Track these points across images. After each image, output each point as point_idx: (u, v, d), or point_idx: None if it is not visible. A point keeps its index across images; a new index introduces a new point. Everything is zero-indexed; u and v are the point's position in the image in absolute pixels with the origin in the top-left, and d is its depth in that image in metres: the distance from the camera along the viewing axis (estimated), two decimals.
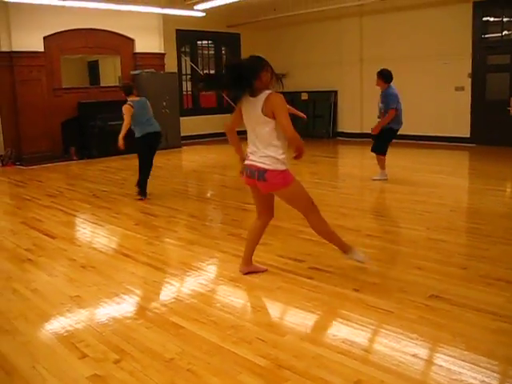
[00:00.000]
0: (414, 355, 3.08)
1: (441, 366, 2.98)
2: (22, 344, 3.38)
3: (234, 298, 4.05)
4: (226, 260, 4.94)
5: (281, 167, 4.03)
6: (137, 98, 7.62)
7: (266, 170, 4.02)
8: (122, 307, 3.93)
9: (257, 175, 4.08)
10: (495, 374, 2.85)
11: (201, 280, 4.50)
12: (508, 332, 3.34)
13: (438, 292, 3.97)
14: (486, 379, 2.80)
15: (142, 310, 3.88)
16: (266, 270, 4.52)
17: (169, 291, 4.25)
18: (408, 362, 3.00)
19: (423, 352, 3.12)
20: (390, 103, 8.20)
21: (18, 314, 3.85)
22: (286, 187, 4.11)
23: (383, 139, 8.39)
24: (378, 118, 8.47)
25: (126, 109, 7.43)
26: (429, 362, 3.02)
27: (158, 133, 7.68)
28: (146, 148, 7.62)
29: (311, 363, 3.00)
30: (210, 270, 4.82)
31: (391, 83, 8.32)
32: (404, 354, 3.09)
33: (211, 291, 4.27)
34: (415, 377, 2.85)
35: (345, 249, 4.41)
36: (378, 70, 8.41)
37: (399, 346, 3.19)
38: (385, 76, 8.36)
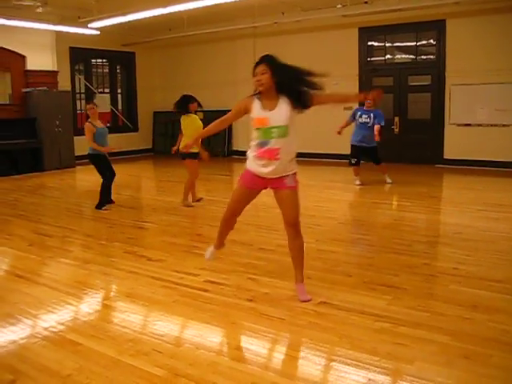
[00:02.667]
0: (304, 358, 3.29)
1: (328, 365, 3.20)
2: None
3: (130, 313, 4.11)
4: (123, 277, 4.98)
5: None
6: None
7: None
8: (17, 328, 3.88)
9: None
10: (378, 369, 3.10)
11: (97, 297, 4.53)
12: (389, 331, 3.63)
13: (326, 299, 4.23)
14: (369, 374, 3.05)
15: (37, 330, 3.84)
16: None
17: (65, 310, 4.23)
18: (298, 364, 3.21)
19: (312, 354, 3.33)
20: (381, 120, 9.75)
21: None
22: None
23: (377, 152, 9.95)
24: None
25: (88, 128, 7.82)
26: (317, 362, 3.23)
27: None
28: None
29: (206, 370, 3.13)
30: (107, 287, 4.84)
31: None
32: (294, 357, 3.30)
33: (108, 308, 4.31)
34: (305, 377, 3.05)
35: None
36: None
37: (290, 350, 3.40)
38: None
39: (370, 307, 4.04)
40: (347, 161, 10.32)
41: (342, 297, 4.28)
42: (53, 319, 4.02)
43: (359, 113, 9.92)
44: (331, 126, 12.87)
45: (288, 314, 3.97)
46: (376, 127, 9.67)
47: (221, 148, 15.63)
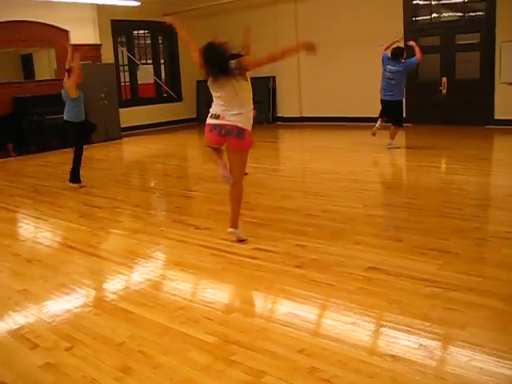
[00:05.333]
0: (353, 323, 3.27)
1: (378, 331, 3.19)
2: None
3: (180, 281, 4.16)
4: (172, 246, 5.04)
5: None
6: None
7: (244, 130, 4.70)
8: (71, 297, 3.98)
9: (235, 133, 4.66)
10: (429, 335, 3.06)
11: (147, 266, 4.59)
12: (440, 296, 3.57)
13: (374, 264, 4.19)
14: (420, 340, 3.01)
15: (90, 299, 3.94)
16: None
17: (116, 279, 4.32)
18: (348, 330, 3.19)
19: (362, 319, 3.31)
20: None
21: None
22: (248, 149, 4.82)
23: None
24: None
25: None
26: (367, 328, 3.22)
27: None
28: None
29: (256, 336, 3.15)
30: (156, 256, 4.91)
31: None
32: (344, 323, 3.28)
33: (158, 276, 4.37)
34: (355, 342, 3.03)
35: (234, 224, 4.97)
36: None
37: (339, 316, 3.39)
38: None
39: (420, 272, 3.98)
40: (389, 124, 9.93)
41: (391, 262, 4.23)
42: (105, 288, 4.11)
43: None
44: (371, 89, 12.67)
45: (337, 279, 3.95)
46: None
47: (265, 115, 15.53)
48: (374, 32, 13.13)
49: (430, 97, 12.49)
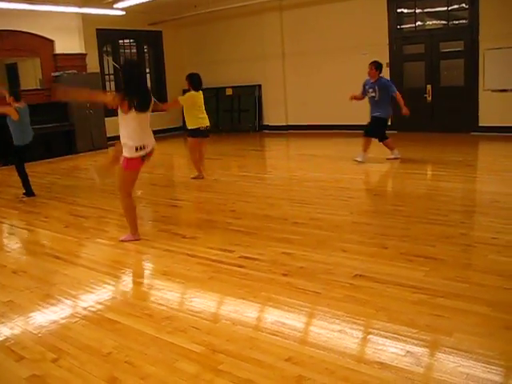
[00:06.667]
0: (341, 331, 3.27)
1: (366, 338, 3.18)
2: None
3: (167, 290, 4.14)
4: (158, 255, 5.02)
5: None
6: (24, 104, 7.91)
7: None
8: (57, 308, 3.95)
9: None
10: (416, 341, 3.07)
11: (134, 276, 4.58)
12: (427, 302, 3.58)
13: (361, 271, 4.20)
14: (407, 347, 3.02)
15: (76, 309, 3.90)
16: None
17: (103, 289, 4.29)
18: (335, 337, 3.19)
19: (349, 327, 3.31)
20: (392, 89, 9.00)
21: None
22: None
23: (379, 127, 9.25)
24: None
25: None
26: (354, 335, 3.21)
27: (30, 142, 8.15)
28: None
29: (244, 345, 3.14)
30: (143, 266, 4.90)
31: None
32: (331, 331, 3.28)
33: (145, 286, 4.36)
34: (342, 350, 3.03)
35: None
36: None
37: (327, 324, 3.38)
38: (379, 66, 9.08)
39: (407, 279, 4.00)
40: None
41: (378, 269, 4.24)
42: (91, 299, 4.07)
43: (367, 87, 9.31)
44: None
45: (324, 287, 3.95)
46: (398, 97, 8.97)
47: (251, 123, 15.56)
48: (359, 40, 13.24)
49: (415, 104, 12.56)
